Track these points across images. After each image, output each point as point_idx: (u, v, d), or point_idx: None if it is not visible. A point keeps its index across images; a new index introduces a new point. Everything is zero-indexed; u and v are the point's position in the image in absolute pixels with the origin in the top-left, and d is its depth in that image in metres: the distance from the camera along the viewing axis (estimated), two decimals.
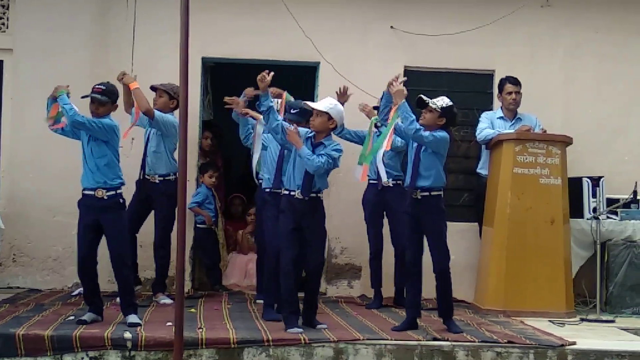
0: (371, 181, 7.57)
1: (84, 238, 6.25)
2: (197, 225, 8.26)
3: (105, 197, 6.18)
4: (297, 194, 6.25)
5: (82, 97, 6.26)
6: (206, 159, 8.75)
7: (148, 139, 7.49)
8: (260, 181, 7.28)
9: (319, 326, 6.27)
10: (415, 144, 6.39)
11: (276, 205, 6.58)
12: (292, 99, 7.35)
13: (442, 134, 6.33)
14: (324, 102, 6.37)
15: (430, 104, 6.30)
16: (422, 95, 6.35)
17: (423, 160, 6.33)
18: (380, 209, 7.60)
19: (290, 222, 6.28)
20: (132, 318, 6.17)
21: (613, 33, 8.58)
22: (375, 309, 7.44)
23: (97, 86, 6.27)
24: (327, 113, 6.26)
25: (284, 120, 6.72)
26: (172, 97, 7.41)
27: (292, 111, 6.80)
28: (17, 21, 8.33)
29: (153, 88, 7.54)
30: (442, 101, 6.34)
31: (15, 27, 8.34)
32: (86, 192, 6.23)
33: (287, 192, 6.34)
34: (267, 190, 6.99)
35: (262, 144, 7.10)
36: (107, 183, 6.19)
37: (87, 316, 6.21)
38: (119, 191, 6.26)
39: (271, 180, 6.89)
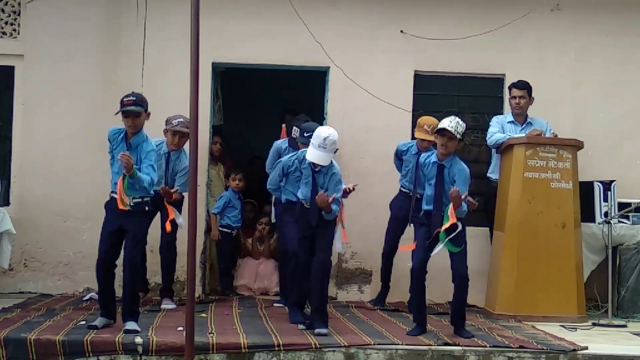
0: (403, 190, 7.67)
1: (106, 241, 6.22)
2: (220, 228, 8.29)
3: (132, 204, 6.16)
4: (306, 203, 6.41)
5: (116, 114, 6.13)
6: (217, 164, 8.78)
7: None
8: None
9: (317, 330, 6.19)
10: (435, 171, 6.39)
11: (293, 213, 6.76)
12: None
13: (465, 172, 6.39)
14: (329, 148, 6.27)
15: (453, 132, 6.23)
16: (446, 127, 6.23)
17: (447, 190, 6.31)
18: (406, 215, 7.57)
19: (302, 229, 6.45)
20: (130, 325, 6.09)
21: (623, 37, 8.55)
22: (380, 307, 7.48)
23: (127, 99, 6.10)
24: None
25: (291, 138, 7.32)
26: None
27: (305, 134, 6.80)
28: (27, 27, 8.36)
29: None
30: (460, 126, 6.28)
31: (26, 33, 8.37)
32: (114, 195, 6.16)
33: (298, 200, 6.49)
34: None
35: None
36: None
37: (99, 321, 6.19)
38: (145, 199, 6.23)
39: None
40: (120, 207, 6.04)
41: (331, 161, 6.41)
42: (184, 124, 7.26)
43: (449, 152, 6.33)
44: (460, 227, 6.24)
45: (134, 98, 6.11)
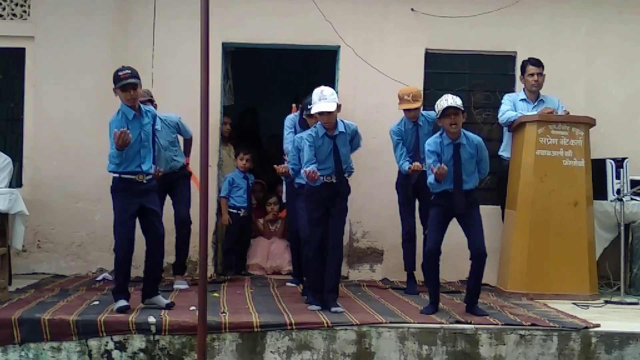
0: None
1: (130, 224, 6.22)
2: (230, 210, 8.33)
3: (145, 180, 6.22)
4: (329, 178, 6.35)
5: (116, 88, 6.11)
6: (227, 145, 8.78)
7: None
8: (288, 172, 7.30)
9: (333, 309, 6.26)
10: (451, 152, 6.37)
11: (304, 194, 6.67)
12: None
13: (480, 141, 6.47)
14: (330, 97, 6.29)
15: (458, 107, 6.24)
16: (449, 105, 6.23)
17: (466, 167, 6.36)
18: (413, 192, 7.53)
19: (319, 209, 6.40)
20: (161, 299, 6.32)
21: (636, 13, 8.47)
22: (415, 294, 7.34)
23: (122, 72, 6.11)
24: (338, 105, 6.32)
25: (301, 118, 7.26)
26: None
27: (309, 107, 6.79)
28: (37, 9, 8.35)
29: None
30: (457, 99, 6.31)
31: (36, 14, 8.36)
32: (130, 176, 6.18)
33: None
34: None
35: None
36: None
37: (125, 304, 6.16)
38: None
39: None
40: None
41: (343, 122, 6.42)
42: (141, 95, 7.10)
43: (459, 128, 6.32)
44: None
45: (129, 71, 6.14)
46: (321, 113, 6.28)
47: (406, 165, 7.33)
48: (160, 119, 6.99)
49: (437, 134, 6.48)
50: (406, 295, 7.27)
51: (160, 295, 6.42)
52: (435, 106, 6.38)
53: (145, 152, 6.21)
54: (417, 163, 7.22)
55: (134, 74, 6.13)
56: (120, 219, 6.19)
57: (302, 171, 6.42)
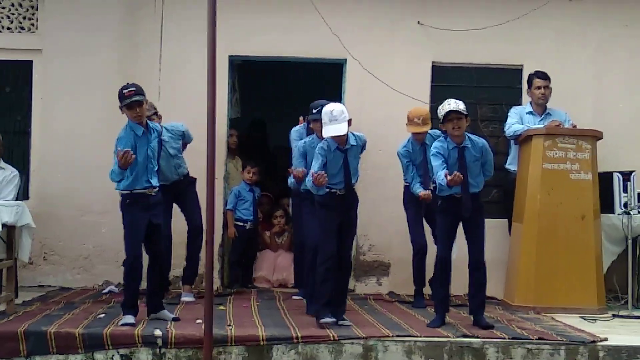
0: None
1: (140, 239, 6.24)
2: (236, 223, 8.33)
3: (154, 193, 6.26)
4: (339, 191, 6.33)
5: (122, 106, 6.13)
6: (234, 157, 8.80)
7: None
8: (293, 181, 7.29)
9: (341, 322, 6.23)
10: (456, 155, 6.37)
11: (313, 201, 6.58)
12: None
13: (484, 143, 6.48)
14: (340, 117, 6.20)
15: (461, 111, 6.25)
16: (452, 109, 6.23)
17: (472, 170, 6.35)
18: (422, 209, 7.51)
19: (334, 219, 6.34)
20: (166, 314, 6.34)
21: None
22: (422, 308, 7.30)
23: (127, 90, 6.12)
24: (349, 121, 6.28)
25: (308, 128, 7.25)
26: None
27: (314, 110, 6.79)
28: (46, 22, 8.40)
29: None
30: (460, 103, 6.30)
31: (44, 27, 8.41)
32: (144, 190, 6.21)
33: (327, 189, 6.34)
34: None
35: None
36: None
37: (133, 319, 6.16)
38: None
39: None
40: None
41: (353, 134, 6.39)
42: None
43: (463, 132, 6.33)
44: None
45: (134, 88, 6.15)
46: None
47: (419, 190, 7.30)
48: (167, 129, 7.03)
49: (442, 138, 6.48)
50: (413, 309, 7.25)
51: (166, 309, 6.42)
52: (438, 111, 6.37)
53: (151, 168, 6.24)
54: (428, 192, 7.19)
55: (139, 91, 6.14)
56: (131, 235, 6.21)
57: (307, 179, 6.38)
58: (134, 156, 5.94)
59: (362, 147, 6.51)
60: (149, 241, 6.31)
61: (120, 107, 6.17)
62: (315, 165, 6.28)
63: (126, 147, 6.03)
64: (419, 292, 7.59)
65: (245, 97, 9.09)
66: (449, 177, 6.08)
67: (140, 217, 6.20)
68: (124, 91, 6.13)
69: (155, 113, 7.23)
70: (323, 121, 6.28)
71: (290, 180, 7.30)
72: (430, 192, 7.17)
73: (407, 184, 7.52)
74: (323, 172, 6.14)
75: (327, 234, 6.34)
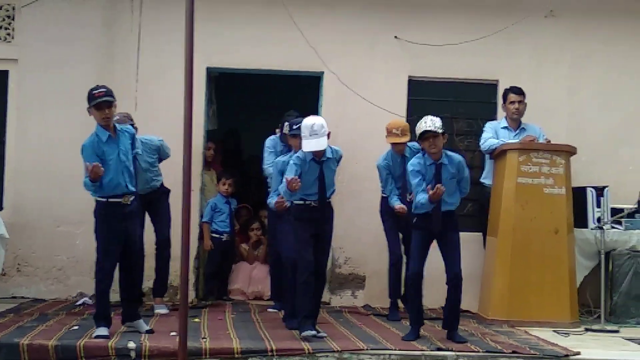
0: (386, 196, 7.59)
1: (117, 248, 6.19)
2: (212, 235, 8.31)
3: (129, 202, 6.21)
4: (314, 202, 6.35)
5: (89, 108, 6.12)
6: (210, 169, 8.78)
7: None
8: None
9: (319, 334, 6.26)
10: (433, 171, 6.39)
11: (290, 217, 6.61)
12: None
13: (461, 160, 6.52)
14: (320, 132, 6.26)
15: (436, 130, 6.26)
16: (427, 129, 6.26)
17: (448, 187, 6.33)
18: (398, 220, 7.54)
19: (308, 229, 6.36)
20: (142, 324, 6.31)
21: (619, 44, 8.57)
22: (397, 320, 7.33)
23: (97, 91, 6.10)
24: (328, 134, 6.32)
25: (282, 135, 7.37)
26: None
27: (294, 127, 6.80)
28: (22, 32, 8.36)
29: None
30: (436, 121, 6.31)
31: (20, 37, 8.37)
32: (116, 199, 6.16)
33: (302, 202, 6.38)
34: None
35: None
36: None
37: (105, 331, 6.11)
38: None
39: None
40: None
41: (330, 147, 6.43)
42: (121, 120, 7.05)
43: (440, 150, 6.36)
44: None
45: (104, 89, 6.13)
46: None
47: (395, 203, 7.35)
48: (142, 141, 6.99)
49: (420, 155, 6.53)
50: (388, 322, 7.27)
51: (142, 320, 6.39)
52: (416, 128, 6.41)
53: (127, 172, 6.18)
54: (404, 207, 7.23)
55: (109, 93, 6.12)
56: (105, 248, 6.15)
57: (281, 185, 6.38)
58: (102, 169, 5.90)
59: (338, 161, 6.53)
60: (125, 252, 6.24)
61: (88, 109, 6.13)
62: (289, 175, 6.30)
63: (91, 155, 6.02)
64: (394, 304, 7.62)
65: (221, 108, 9.09)
66: (430, 192, 6.11)
67: (115, 227, 6.13)
68: (94, 92, 6.11)
69: (132, 125, 7.20)
70: (303, 134, 6.31)
71: (270, 200, 7.24)
72: (405, 207, 7.19)
73: (385, 196, 7.55)
74: (297, 177, 6.17)
75: (303, 246, 6.37)
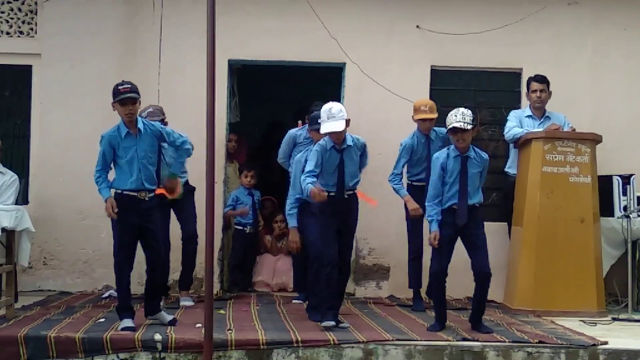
0: (414, 183, 7.58)
1: (130, 241, 6.22)
2: (235, 227, 8.33)
3: (148, 198, 6.20)
4: (332, 192, 6.34)
5: (114, 103, 6.13)
6: (233, 162, 8.79)
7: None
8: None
9: (341, 325, 6.26)
10: (459, 168, 6.36)
11: (315, 208, 6.59)
12: None
13: (485, 157, 6.46)
14: (338, 115, 6.27)
15: (466, 126, 6.22)
16: (455, 125, 6.21)
17: (472, 181, 6.34)
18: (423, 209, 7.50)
19: (331, 223, 6.36)
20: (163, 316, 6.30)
21: None
22: (422, 311, 7.32)
23: (122, 87, 6.12)
24: (346, 121, 6.31)
25: (309, 131, 7.31)
26: None
27: (319, 120, 6.79)
28: (45, 26, 8.40)
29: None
30: (466, 115, 6.25)
31: (43, 32, 8.41)
32: (130, 193, 6.18)
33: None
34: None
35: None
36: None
37: (131, 322, 6.16)
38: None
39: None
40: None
41: (351, 136, 6.43)
42: (154, 113, 7.23)
43: (468, 144, 6.33)
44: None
45: (129, 85, 6.14)
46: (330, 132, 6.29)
47: (401, 191, 7.50)
48: None
49: (447, 148, 6.52)
50: (413, 313, 7.25)
51: (164, 311, 6.41)
52: (447, 120, 6.37)
53: (145, 170, 6.16)
54: (418, 208, 7.26)
55: (134, 89, 6.13)
56: (120, 242, 6.18)
57: (302, 179, 6.34)
58: (114, 211, 5.99)
59: (362, 151, 6.52)
60: (146, 246, 6.28)
61: (113, 104, 6.14)
62: (310, 164, 6.33)
63: (106, 146, 6.13)
64: (417, 294, 7.61)
65: (244, 100, 9.09)
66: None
67: (129, 225, 6.13)
68: (119, 87, 6.13)
69: (163, 119, 7.23)
70: (321, 119, 6.34)
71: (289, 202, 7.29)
72: (419, 208, 7.21)
73: (411, 183, 7.59)
74: (320, 187, 6.15)
75: (326, 239, 6.37)
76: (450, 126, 6.25)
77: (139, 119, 6.26)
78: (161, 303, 6.65)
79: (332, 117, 6.26)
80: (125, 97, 6.08)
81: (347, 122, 6.31)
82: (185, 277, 7.65)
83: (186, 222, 7.51)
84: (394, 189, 7.52)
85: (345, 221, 6.44)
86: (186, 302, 7.44)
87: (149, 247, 6.28)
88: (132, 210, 6.13)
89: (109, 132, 6.18)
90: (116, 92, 6.12)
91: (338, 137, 6.32)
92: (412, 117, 7.50)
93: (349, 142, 6.39)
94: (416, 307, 7.45)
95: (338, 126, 6.25)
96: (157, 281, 6.37)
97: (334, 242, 6.34)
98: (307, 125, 7.69)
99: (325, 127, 6.28)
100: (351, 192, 6.47)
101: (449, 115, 6.33)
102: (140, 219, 6.16)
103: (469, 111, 6.30)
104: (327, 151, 6.35)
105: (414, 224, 7.54)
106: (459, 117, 6.24)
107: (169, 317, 6.34)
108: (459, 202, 6.31)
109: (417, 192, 7.44)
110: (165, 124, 7.17)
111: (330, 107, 6.31)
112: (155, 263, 6.31)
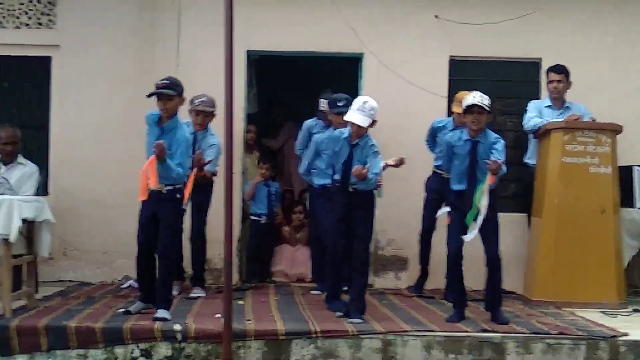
0: (437, 171, 7.59)
1: (144, 228, 6.29)
2: (251, 217, 8.35)
3: (165, 191, 6.21)
4: (336, 184, 6.39)
5: (148, 96, 6.16)
6: (252, 152, 8.81)
7: None
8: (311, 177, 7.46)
9: (350, 320, 6.19)
10: (468, 151, 6.35)
11: (328, 198, 6.64)
12: None
13: (502, 141, 6.41)
14: (368, 112, 6.25)
15: (484, 105, 6.22)
16: (475, 103, 6.21)
17: (482, 166, 6.29)
18: (441, 196, 7.47)
19: (337, 212, 6.39)
20: (161, 312, 6.15)
21: None
22: (417, 294, 7.50)
23: (160, 82, 6.17)
24: (372, 122, 6.30)
25: (328, 113, 7.26)
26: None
27: (338, 104, 6.79)
28: (63, 18, 8.42)
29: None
30: (485, 99, 6.26)
31: (62, 23, 8.43)
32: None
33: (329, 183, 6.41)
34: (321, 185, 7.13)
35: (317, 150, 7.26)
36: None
37: (135, 307, 6.30)
38: (177, 186, 6.26)
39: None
40: (152, 185, 6.09)
41: (368, 134, 6.39)
42: (207, 103, 7.29)
43: (481, 127, 6.31)
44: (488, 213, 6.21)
45: (168, 81, 6.18)
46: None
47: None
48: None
49: (460, 130, 6.53)
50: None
51: (163, 310, 6.21)
52: (463, 101, 6.35)
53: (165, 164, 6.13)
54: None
55: (170, 86, 6.15)
56: (139, 223, 6.32)
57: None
58: (164, 149, 5.97)
59: (369, 150, 6.40)
60: (156, 234, 6.29)
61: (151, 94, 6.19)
62: (339, 168, 6.38)
63: (148, 122, 6.21)
64: (424, 270, 7.81)
65: (262, 91, 9.09)
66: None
67: (145, 208, 6.27)
68: (158, 81, 6.19)
69: (212, 113, 7.23)
70: (352, 107, 6.33)
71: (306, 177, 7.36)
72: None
73: (436, 171, 7.61)
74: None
75: (333, 228, 6.48)
76: (468, 103, 6.23)
77: (177, 119, 6.29)
78: (174, 289, 6.77)
79: (363, 110, 6.24)
80: (157, 92, 6.14)
81: (373, 123, 6.29)
82: (195, 275, 7.64)
83: (195, 218, 7.49)
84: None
85: (350, 213, 6.37)
86: (197, 293, 7.42)
87: (158, 236, 6.28)
88: (152, 200, 6.19)
89: (150, 112, 6.28)
90: (156, 86, 6.18)
91: (358, 132, 6.30)
92: (453, 108, 7.46)
93: (361, 141, 6.36)
94: (414, 289, 7.76)
95: (363, 121, 6.23)
96: (159, 273, 6.34)
97: (339, 232, 6.40)
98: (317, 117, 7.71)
99: (352, 116, 6.27)
100: (357, 188, 6.34)
101: (466, 96, 6.33)
102: (154, 205, 6.21)
103: (487, 96, 6.30)
104: (340, 140, 6.36)
105: (428, 205, 7.63)
106: (478, 97, 6.25)
107: (158, 315, 6.13)
108: (466, 188, 6.29)
109: (439, 179, 7.43)
110: (214, 116, 7.21)
111: (365, 101, 6.30)
112: (161, 253, 6.31)
